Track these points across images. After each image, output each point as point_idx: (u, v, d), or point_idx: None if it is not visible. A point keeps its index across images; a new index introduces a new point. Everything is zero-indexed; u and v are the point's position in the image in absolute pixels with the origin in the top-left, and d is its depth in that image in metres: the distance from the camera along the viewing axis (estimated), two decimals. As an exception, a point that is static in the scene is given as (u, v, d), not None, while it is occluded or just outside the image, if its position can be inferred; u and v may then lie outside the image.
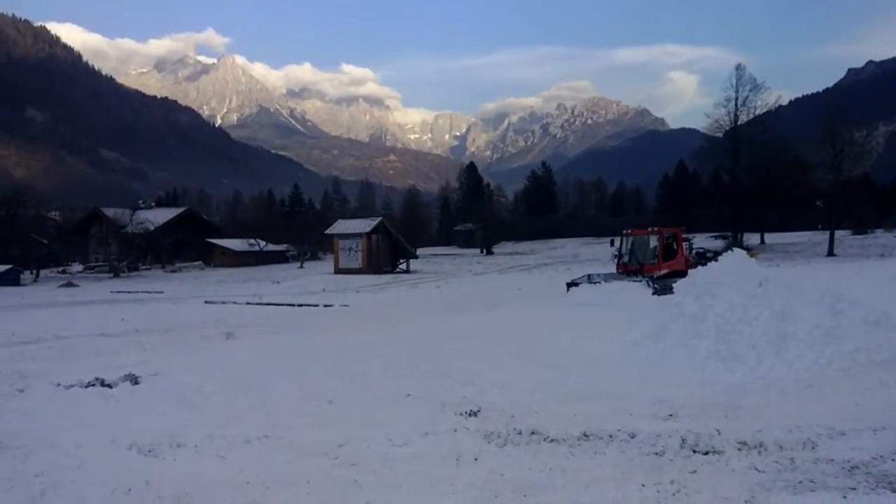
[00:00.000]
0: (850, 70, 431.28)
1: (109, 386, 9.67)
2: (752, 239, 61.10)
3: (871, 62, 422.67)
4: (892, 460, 5.72)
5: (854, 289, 12.97)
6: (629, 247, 24.52)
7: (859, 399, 7.56)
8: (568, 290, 22.55)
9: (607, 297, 19.52)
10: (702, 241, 49.50)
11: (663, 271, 22.48)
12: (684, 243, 26.73)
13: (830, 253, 50.81)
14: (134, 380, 10.02)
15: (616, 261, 25.09)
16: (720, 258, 12.86)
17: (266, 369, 10.93)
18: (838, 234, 56.93)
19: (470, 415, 7.86)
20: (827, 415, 7.06)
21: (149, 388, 9.53)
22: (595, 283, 21.98)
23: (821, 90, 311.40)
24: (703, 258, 28.60)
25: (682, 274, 22.48)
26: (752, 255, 32.28)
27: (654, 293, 19.73)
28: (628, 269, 23.51)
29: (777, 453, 6.05)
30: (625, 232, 25.43)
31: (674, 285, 13.41)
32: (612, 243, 26.99)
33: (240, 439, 7.09)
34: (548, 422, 7.30)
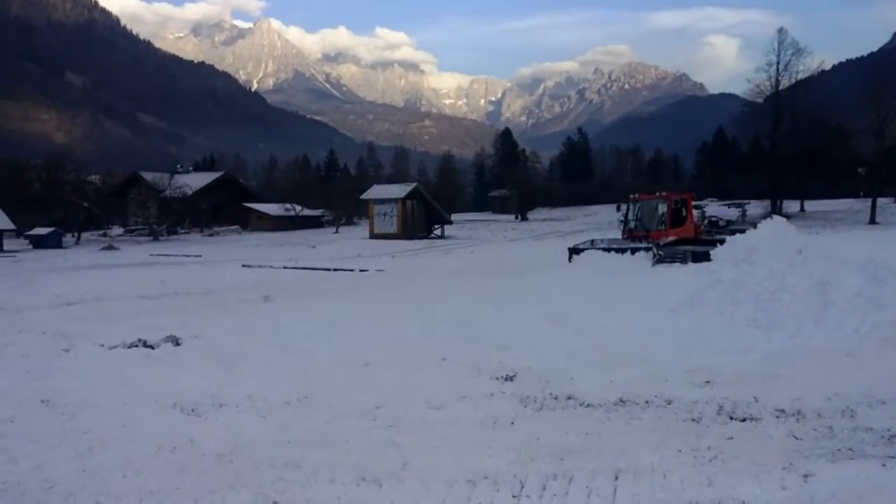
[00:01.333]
0: (895, 33, 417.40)
1: (152, 347, 9.92)
2: (791, 206, 60.00)
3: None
4: (933, 430, 5.67)
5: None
6: (637, 213, 23.54)
7: (900, 368, 7.47)
8: (570, 257, 21.79)
9: (611, 265, 19.18)
10: (715, 209, 48.45)
11: (670, 238, 21.54)
12: (696, 211, 25.91)
13: (872, 221, 49.81)
14: (175, 341, 10.25)
15: (622, 226, 23.95)
16: (759, 225, 12.63)
17: (303, 332, 11.07)
18: (881, 201, 55.64)
19: (506, 379, 7.93)
20: (867, 383, 7.00)
21: (190, 350, 9.75)
22: (598, 249, 21.37)
23: (865, 54, 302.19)
24: (715, 226, 27.83)
25: (691, 242, 21.63)
26: None
27: (655, 262, 19.15)
28: (634, 235, 22.54)
29: (815, 421, 6.02)
30: (632, 197, 24.51)
31: (711, 252, 13.16)
32: (618, 208, 25.91)
33: (280, 400, 7.24)
34: (584, 387, 7.33)
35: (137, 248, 49.25)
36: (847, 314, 8.92)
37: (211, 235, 63.34)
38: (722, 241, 23.23)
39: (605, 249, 20.60)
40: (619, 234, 24.12)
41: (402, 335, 10.61)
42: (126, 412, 6.86)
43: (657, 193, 24.31)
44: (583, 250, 21.44)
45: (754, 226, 29.10)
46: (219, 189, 75.42)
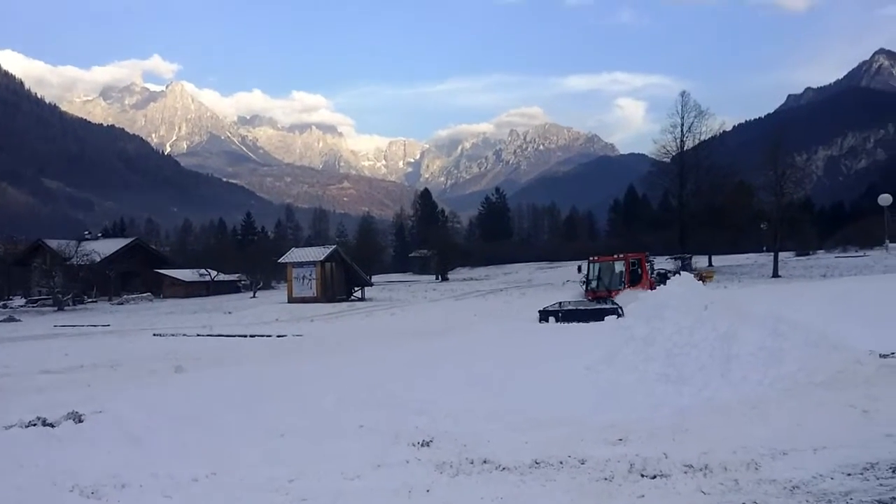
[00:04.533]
0: (789, 96, 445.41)
1: (52, 425, 9.39)
2: (700, 261, 62.33)
3: (809, 88, 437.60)
4: (832, 479, 5.90)
5: (797, 310, 13.31)
6: (596, 273, 25.27)
7: (801, 419, 7.76)
8: (541, 320, 22.66)
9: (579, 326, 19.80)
10: (662, 261, 50.52)
11: None
12: (647, 265, 27.49)
13: (775, 274, 52.06)
14: (77, 418, 9.75)
15: (584, 287, 25.70)
16: (669, 281, 13.13)
17: (216, 403, 10.72)
18: (782, 255, 58.45)
19: (423, 445, 7.86)
20: (770, 435, 7.24)
21: (93, 427, 9.28)
22: (567, 310, 22.36)
23: (762, 116, 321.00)
24: (665, 279, 29.31)
25: None
26: (706, 276, 33.11)
27: (618, 318, 19.98)
28: (597, 295, 24.04)
29: (722, 475, 6.17)
30: (591, 259, 26.36)
31: (625, 308, 13.67)
32: (579, 269, 27.71)
33: (187, 477, 6.95)
34: (500, 450, 7.33)
35: (40, 318, 47.01)
36: (751, 367, 9.26)
37: (121, 304, 61.09)
38: None
39: (572, 311, 21.48)
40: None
41: (318, 403, 10.40)
42: (21, 498, 6.46)
43: (614, 255, 26.43)
44: (552, 312, 22.31)
45: (700, 276, 31.70)
46: (129, 255, 73.25)
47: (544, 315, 22.77)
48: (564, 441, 7.56)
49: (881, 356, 11.64)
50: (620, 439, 7.56)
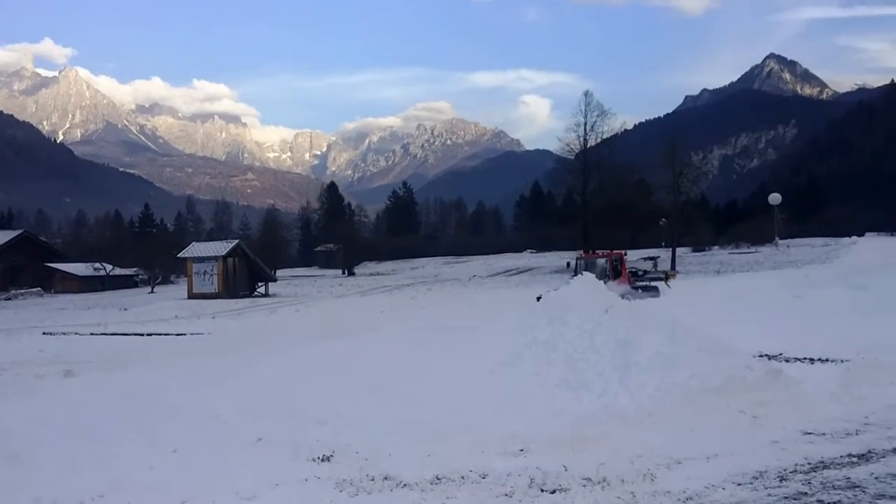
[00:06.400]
0: (686, 97, 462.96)
1: (-80, 443, 8.74)
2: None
3: (705, 90, 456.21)
4: (723, 489, 6.09)
5: (693, 308, 13.75)
6: (584, 267, 28.53)
7: (694, 426, 8.00)
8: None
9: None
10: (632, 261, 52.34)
11: None
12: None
13: (672, 268, 53.92)
14: (-49, 434, 9.12)
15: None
16: (570, 282, 13.35)
17: (108, 413, 10.17)
18: (679, 251, 60.81)
19: (323, 460, 7.68)
20: (666, 443, 7.42)
21: (-31, 444, 8.69)
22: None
23: (661, 115, 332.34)
24: (636, 276, 32.54)
25: None
26: (669, 276, 36.07)
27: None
28: None
29: (619, 488, 6.27)
30: (580, 256, 31.59)
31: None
32: (568, 265, 33.03)
33: (73, 501, 6.57)
34: (401, 464, 7.23)
35: (-83, 317, 44.01)
36: (648, 374, 9.45)
37: (8, 299, 58.10)
38: (645, 287, 29.10)
39: None
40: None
41: (216, 412, 10.02)
42: None
43: (599, 252, 31.56)
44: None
45: (665, 275, 36.21)
46: (17, 248, 69.75)
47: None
48: (466, 453, 7.52)
49: (769, 357, 12.20)
50: (521, 450, 7.59)
